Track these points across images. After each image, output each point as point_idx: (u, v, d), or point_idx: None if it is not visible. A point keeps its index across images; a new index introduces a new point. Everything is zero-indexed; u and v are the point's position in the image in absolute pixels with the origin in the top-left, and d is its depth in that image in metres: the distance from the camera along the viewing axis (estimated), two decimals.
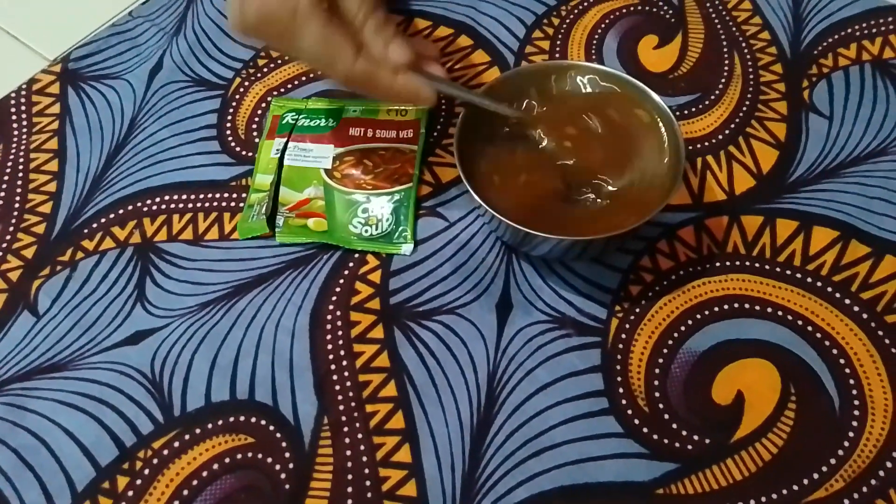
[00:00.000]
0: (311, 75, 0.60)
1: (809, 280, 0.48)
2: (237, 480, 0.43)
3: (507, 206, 0.47)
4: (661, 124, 0.49)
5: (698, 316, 0.47)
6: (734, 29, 0.60)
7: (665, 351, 0.46)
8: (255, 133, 0.57)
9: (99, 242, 0.52)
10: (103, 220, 0.53)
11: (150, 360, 0.47)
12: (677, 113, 0.56)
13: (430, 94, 0.47)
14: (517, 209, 0.47)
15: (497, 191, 0.48)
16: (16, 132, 0.58)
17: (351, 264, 0.50)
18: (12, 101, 0.60)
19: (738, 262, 0.49)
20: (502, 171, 0.49)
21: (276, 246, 0.51)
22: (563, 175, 0.49)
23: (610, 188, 0.48)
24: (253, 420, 0.45)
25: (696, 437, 0.43)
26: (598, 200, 0.48)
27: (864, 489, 0.41)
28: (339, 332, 0.48)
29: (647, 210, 0.45)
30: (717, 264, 0.49)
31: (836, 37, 0.59)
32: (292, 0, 0.42)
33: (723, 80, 0.58)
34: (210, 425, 0.45)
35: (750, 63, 0.58)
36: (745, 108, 0.56)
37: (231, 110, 0.58)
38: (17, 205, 0.55)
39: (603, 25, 0.61)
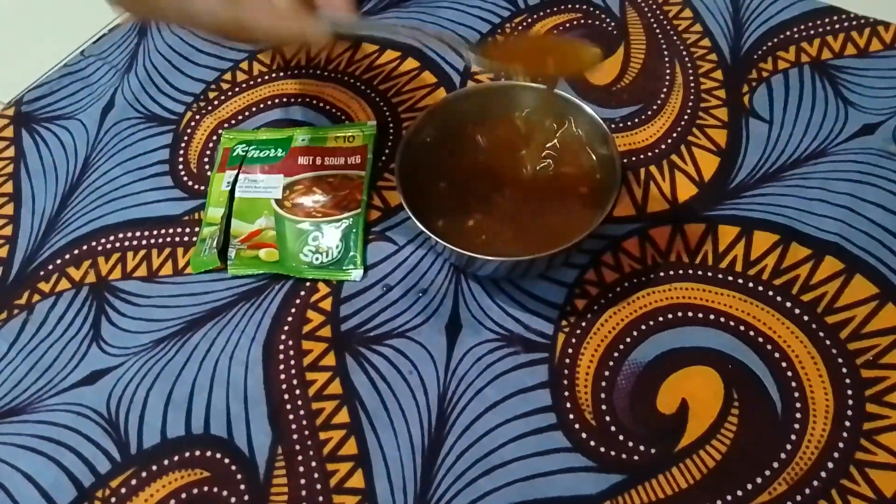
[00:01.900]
0: (262, 105, 0.61)
1: (751, 285, 0.49)
2: None
3: (451, 228, 0.48)
4: (598, 140, 0.50)
5: (643, 326, 0.48)
6: (675, 38, 0.61)
7: (611, 363, 0.47)
8: (207, 166, 0.58)
9: (55, 284, 0.53)
10: (59, 262, 0.54)
11: (105, 399, 0.48)
12: (620, 125, 0.57)
13: (320, 33, 0.41)
14: (462, 230, 0.48)
15: (442, 213, 0.49)
16: None
17: (302, 293, 0.51)
18: None
19: (681, 271, 0.50)
20: (445, 192, 0.50)
21: (229, 278, 0.52)
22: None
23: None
24: (208, 454, 0.46)
25: (642, 448, 0.44)
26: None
27: (807, 491, 0.42)
28: (292, 362, 0.48)
29: (587, 225, 0.46)
30: (661, 274, 0.50)
31: (776, 40, 0.60)
32: None
33: (664, 90, 0.58)
34: (166, 461, 0.46)
35: (691, 71, 0.59)
36: (686, 117, 0.57)
37: (183, 145, 0.59)
38: None
39: None
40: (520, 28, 0.63)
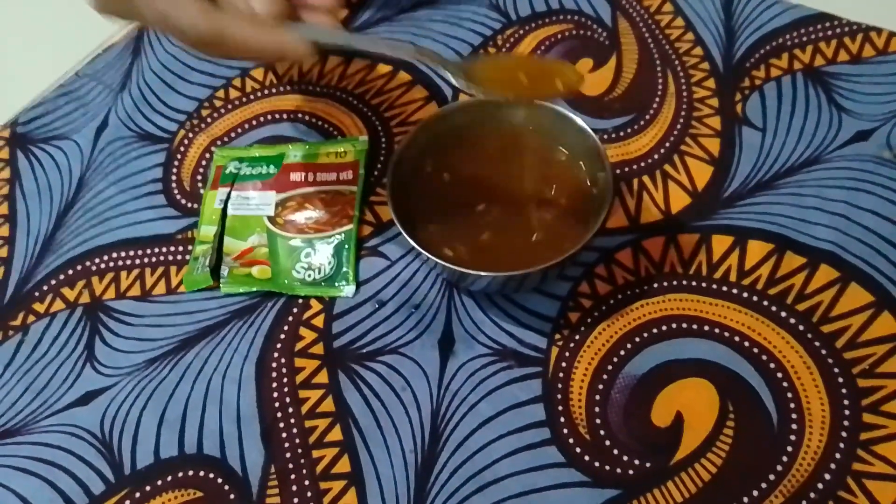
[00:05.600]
0: (255, 122, 0.61)
1: (745, 295, 0.48)
2: None
3: (443, 243, 0.48)
4: (590, 151, 0.50)
5: (637, 339, 0.47)
6: (667, 47, 0.61)
7: (605, 377, 0.46)
8: (200, 184, 0.58)
9: (50, 305, 0.53)
10: (53, 282, 0.54)
11: (99, 419, 0.48)
12: (613, 135, 0.57)
13: (299, 46, 0.40)
14: (455, 244, 0.48)
15: (433, 228, 0.49)
16: None
17: (295, 310, 0.51)
18: None
19: (675, 282, 0.49)
20: (437, 207, 0.50)
21: (222, 297, 0.52)
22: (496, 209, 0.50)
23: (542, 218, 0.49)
24: (201, 474, 0.46)
25: (636, 462, 0.44)
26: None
27: (804, 503, 0.41)
28: (285, 380, 0.48)
29: (580, 238, 0.46)
30: (655, 285, 0.49)
31: (768, 47, 0.60)
32: None
33: (657, 100, 0.58)
34: (159, 482, 0.46)
35: (683, 80, 0.59)
36: (679, 126, 0.57)
37: (176, 163, 0.59)
38: None
39: (539, 52, 0.62)
40: (513, 40, 0.63)
